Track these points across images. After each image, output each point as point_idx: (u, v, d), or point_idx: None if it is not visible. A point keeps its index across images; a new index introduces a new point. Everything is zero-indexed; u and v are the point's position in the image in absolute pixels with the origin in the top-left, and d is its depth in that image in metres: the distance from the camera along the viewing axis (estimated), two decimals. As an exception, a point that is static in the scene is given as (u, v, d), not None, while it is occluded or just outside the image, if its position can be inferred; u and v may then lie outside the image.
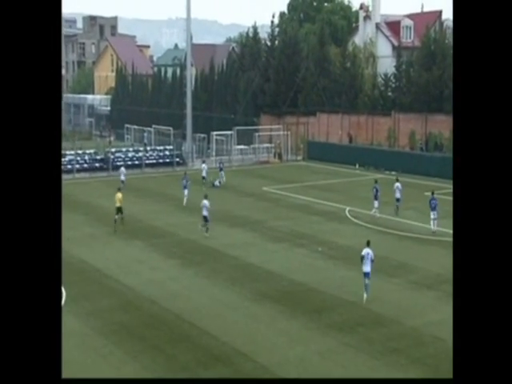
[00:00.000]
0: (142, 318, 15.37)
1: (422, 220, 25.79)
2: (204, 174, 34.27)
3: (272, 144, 47.46)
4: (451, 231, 26.05)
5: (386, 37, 52.60)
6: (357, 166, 40.76)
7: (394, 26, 53.32)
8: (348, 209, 28.33)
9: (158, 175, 39.14)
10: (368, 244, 16.94)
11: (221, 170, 36.07)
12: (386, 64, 48.15)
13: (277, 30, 57.62)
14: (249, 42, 59.06)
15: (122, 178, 32.78)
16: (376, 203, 26.36)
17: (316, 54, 50.63)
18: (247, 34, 62.76)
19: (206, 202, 23.68)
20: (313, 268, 19.51)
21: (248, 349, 13.58)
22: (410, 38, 52.37)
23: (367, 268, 16.56)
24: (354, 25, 60.74)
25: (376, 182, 27.79)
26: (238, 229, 24.71)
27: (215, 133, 46.26)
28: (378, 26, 53.02)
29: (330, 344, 13.87)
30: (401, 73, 45.82)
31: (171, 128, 49.02)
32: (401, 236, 23.51)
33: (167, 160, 42.07)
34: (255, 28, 58.62)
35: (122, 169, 34.36)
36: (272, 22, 56.72)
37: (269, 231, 24.33)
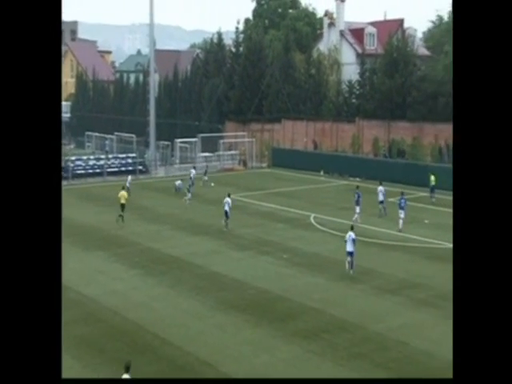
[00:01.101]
0: (103, 329, 15.20)
1: (387, 226, 26.31)
2: (192, 177, 34.48)
3: (237, 151, 47.62)
4: (415, 237, 26.78)
5: (350, 44, 53.58)
6: (321, 173, 41.27)
7: (357, 33, 54.36)
8: (313, 215, 28.68)
9: (121, 184, 38.67)
10: (352, 228, 20.02)
11: (205, 173, 36.68)
12: (350, 71, 49.04)
13: (241, 36, 57.97)
14: (213, 49, 59.22)
15: (127, 184, 33.08)
16: (358, 209, 27.10)
17: (281, 61, 51.17)
18: (212, 40, 62.95)
19: (228, 199, 26.02)
20: (278, 275, 19.67)
21: (213, 359, 13.60)
22: (374, 45, 53.47)
23: (349, 248, 19.44)
24: (318, 31, 61.63)
25: (357, 187, 28.84)
26: (203, 237, 24.70)
27: (179, 140, 46.15)
28: (342, 33, 53.96)
29: (295, 352, 14.02)
30: (364, 80, 46.74)
31: (134, 135, 48.66)
32: (366, 242, 23.89)
33: (130, 168, 41.73)
34: (220, 34, 58.86)
35: (129, 177, 34.83)
36: (237, 28, 57.10)
37: (234, 239, 24.41)
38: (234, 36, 57.06)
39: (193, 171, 35.07)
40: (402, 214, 25.49)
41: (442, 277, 19.41)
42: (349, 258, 19.42)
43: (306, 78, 49.70)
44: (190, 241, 24.15)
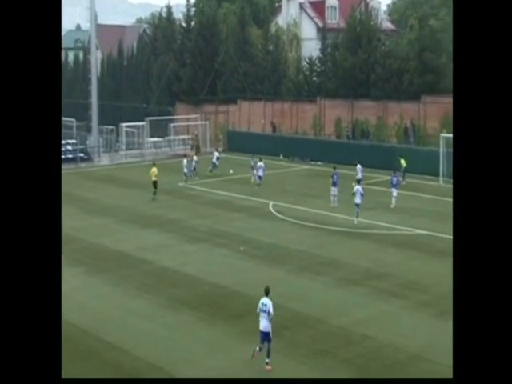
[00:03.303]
0: (41, 335, 14.85)
1: (350, 213, 26.58)
2: (215, 160, 36.29)
3: (189, 135, 47.21)
4: (381, 223, 27.14)
5: (311, 18, 53.67)
6: (281, 157, 41.37)
7: (318, 6, 54.48)
8: (272, 203, 28.73)
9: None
10: (358, 182, 26.52)
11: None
12: (311, 47, 49.13)
13: (193, 9, 57.33)
14: (162, 23, 58.40)
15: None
16: (335, 190, 28.06)
17: (236, 36, 50.83)
18: (160, 14, 62.05)
19: (261, 163, 32.13)
20: (235, 269, 19.63)
21: (164, 362, 13.48)
22: (335, 19, 53.73)
23: (357, 200, 24.74)
24: (276, 4, 61.50)
25: (335, 168, 29.61)
26: (152, 230, 24.41)
27: (125, 124, 45.40)
28: (301, 6, 53.98)
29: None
30: (326, 56, 46.90)
31: (74, 120, 47.60)
32: (328, 230, 24.12)
33: (69, 156, 40.77)
34: (169, 7, 58.09)
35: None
36: (187, 0, 56.34)
37: (186, 231, 24.23)
38: (184, 9, 56.36)
39: (216, 153, 36.89)
40: (394, 193, 27.38)
41: (409, 265, 19.79)
42: (357, 209, 24.64)
43: (263, 54, 49.56)
44: (138, 234, 23.83)
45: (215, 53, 51.21)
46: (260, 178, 31.98)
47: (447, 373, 12.74)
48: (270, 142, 43.60)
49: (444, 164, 32.71)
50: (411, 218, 25.70)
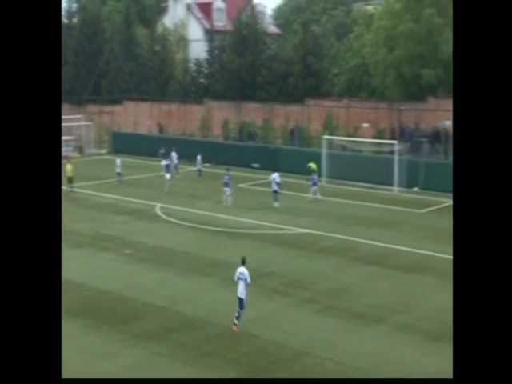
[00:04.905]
0: None
1: (235, 213, 26.89)
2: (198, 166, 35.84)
3: (71, 136, 45.50)
4: (265, 223, 27.58)
5: (198, 19, 53.69)
6: (168, 159, 41.02)
7: (205, 7, 54.62)
8: (159, 206, 28.39)
9: None
10: (275, 170, 29.20)
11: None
12: (198, 48, 49.17)
13: (75, 6, 55.31)
14: (41, 18, 55.83)
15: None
16: (228, 190, 28.21)
17: (121, 35, 49.78)
18: (38, 8, 59.36)
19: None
20: (120, 273, 19.18)
21: (43, 373, 12.84)
22: (223, 21, 54.13)
23: (274, 187, 28.29)
24: (163, 4, 60.86)
25: (228, 170, 29.77)
26: (32, 235, 23.23)
27: (1, 123, 42.86)
28: (188, 7, 53.86)
29: (140, 355, 13.77)
30: (213, 58, 47.15)
31: None
32: (215, 231, 24.22)
33: None
34: (49, 2, 55.67)
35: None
36: (68, -4, 54.35)
37: (69, 235, 23.22)
38: (65, 5, 54.28)
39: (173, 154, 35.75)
40: (313, 190, 29.69)
41: (293, 263, 20.33)
42: (275, 195, 27.97)
43: (150, 55, 48.89)
44: (15, 240, 22.57)
45: (99, 51, 49.83)
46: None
47: (330, 367, 13.25)
48: (156, 143, 42.98)
49: (327, 165, 33.98)
50: (294, 218, 26.43)
